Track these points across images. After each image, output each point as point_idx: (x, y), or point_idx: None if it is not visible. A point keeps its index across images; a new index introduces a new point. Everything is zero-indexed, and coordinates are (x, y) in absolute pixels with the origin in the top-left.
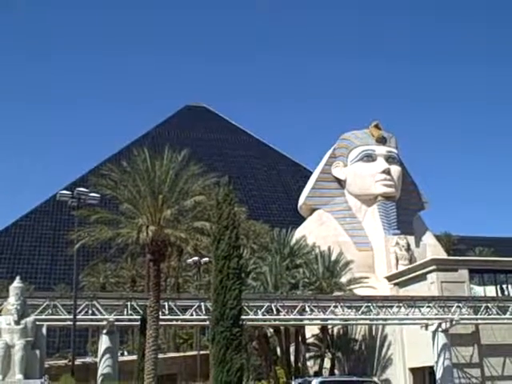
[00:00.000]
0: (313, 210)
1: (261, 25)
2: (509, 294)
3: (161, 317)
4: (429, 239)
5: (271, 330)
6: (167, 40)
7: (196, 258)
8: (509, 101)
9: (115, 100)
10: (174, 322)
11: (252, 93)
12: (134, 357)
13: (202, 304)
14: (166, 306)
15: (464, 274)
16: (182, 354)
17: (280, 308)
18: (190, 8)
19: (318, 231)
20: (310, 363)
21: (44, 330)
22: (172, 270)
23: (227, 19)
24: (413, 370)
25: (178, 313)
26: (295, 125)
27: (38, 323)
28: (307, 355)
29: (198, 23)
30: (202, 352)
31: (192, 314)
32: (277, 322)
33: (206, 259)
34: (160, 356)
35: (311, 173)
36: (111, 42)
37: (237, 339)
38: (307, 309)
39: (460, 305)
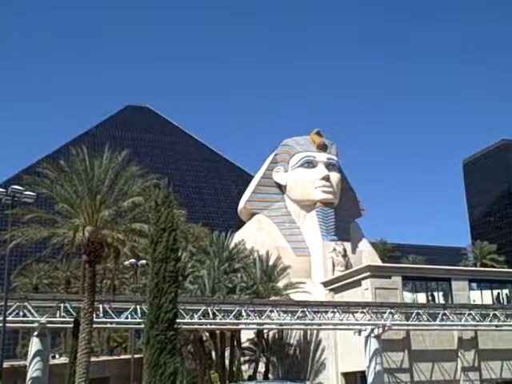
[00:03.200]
0: (253, 215)
1: (203, 25)
2: (439, 301)
3: (95, 319)
4: (365, 246)
5: (207, 334)
6: (111, 39)
7: (133, 260)
8: (447, 105)
9: (55, 99)
10: (109, 325)
11: (196, 95)
12: (66, 360)
13: (138, 307)
14: (101, 309)
15: (397, 280)
16: (115, 357)
17: (216, 312)
18: (135, 8)
19: (257, 235)
20: (244, 367)
21: None
22: (108, 271)
23: (170, 19)
24: (345, 375)
25: (113, 315)
26: (238, 128)
27: None
28: (242, 359)
29: (141, 23)
30: (136, 356)
31: (127, 317)
32: (213, 326)
33: (144, 261)
34: (92, 359)
35: (252, 177)
36: (56, 39)
37: (171, 343)
38: (243, 313)
39: (392, 311)
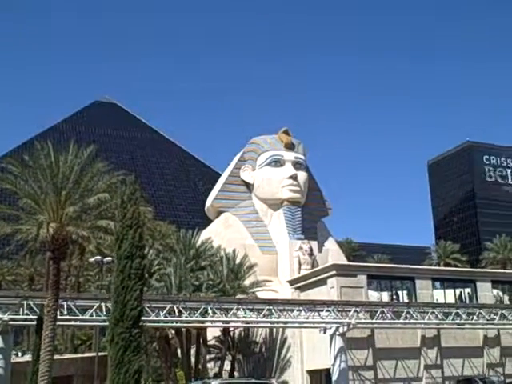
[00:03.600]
0: (220, 213)
1: (172, 21)
2: (403, 300)
3: (59, 317)
4: (331, 245)
5: (172, 332)
6: (80, 34)
7: (98, 257)
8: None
9: (21, 94)
10: (73, 323)
11: (165, 92)
12: (29, 358)
13: (103, 304)
14: (65, 306)
15: (362, 279)
16: (79, 355)
17: (182, 310)
18: (106, 3)
19: (225, 234)
20: (210, 365)
21: None
22: (73, 268)
23: (140, 15)
24: (310, 373)
25: (77, 313)
26: (206, 126)
27: None
28: (208, 357)
29: (111, 19)
30: (100, 354)
31: (92, 315)
32: (178, 324)
33: (109, 259)
34: (56, 357)
35: (220, 175)
36: (24, 32)
37: (136, 341)
38: (209, 311)
39: (357, 309)
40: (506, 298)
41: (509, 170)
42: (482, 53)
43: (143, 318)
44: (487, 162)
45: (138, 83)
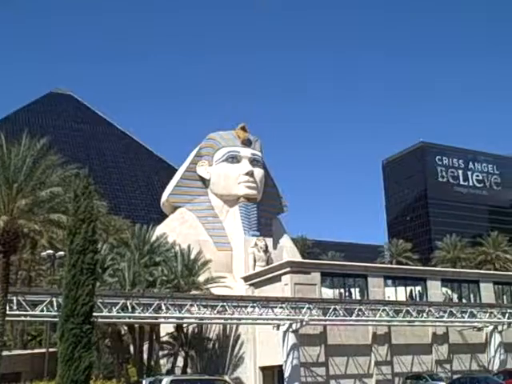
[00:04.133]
0: (175, 208)
1: (128, 15)
2: (355, 297)
3: (8, 312)
4: (286, 242)
5: (125, 328)
6: (34, 24)
7: (50, 252)
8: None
9: None
10: (23, 318)
11: (122, 85)
12: None
13: (54, 299)
14: (15, 301)
15: (316, 276)
16: (29, 351)
17: (135, 305)
18: None
19: (180, 229)
20: (163, 361)
21: None
22: (24, 262)
23: (96, 6)
24: (263, 369)
25: (28, 308)
26: (163, 121)
27: None
28: (161, 353)
29: (65, 10)
30: (51, 349)
31: (43, 310)
32: (131, 320)
33: (62, 253)
34: (4, 353)
35: (176, 170)
36: None
37: (87, 336)
38: (163, 307)
39: (310, 306)
40: (455, 296)
41: (460, 171)
42: (435, 54)
43: (95, 314)
44: (440, 163)
45: (94, 75)
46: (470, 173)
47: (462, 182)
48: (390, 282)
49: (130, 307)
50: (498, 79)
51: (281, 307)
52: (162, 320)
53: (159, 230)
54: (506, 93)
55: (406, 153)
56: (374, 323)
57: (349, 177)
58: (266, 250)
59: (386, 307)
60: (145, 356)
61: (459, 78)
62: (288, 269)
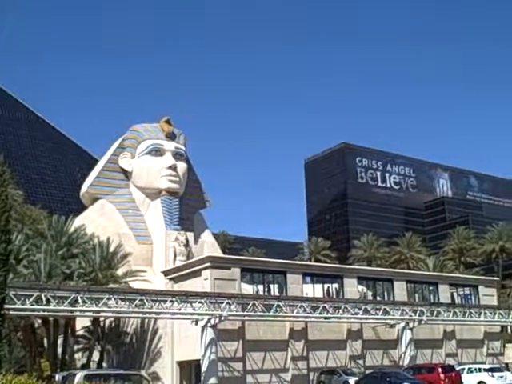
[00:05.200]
0: (96, 199)
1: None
2: (274, 293)
3: None
4: (207, 237)
5: (39, 321)
6: None
7: None
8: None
9: None
10: None
11: (43, 71)
12: None
13: None
14: None
15: (236, 272)
16: None
17: (51, 298)
18: None
19: (99, 221)
20: (78, 356)
21: None
22: None
23: None
24: (180, 364)
25: None
26: (85, 110)
27: None
28: (76, 348)
29: None
30: None
31: None
32: (46, 313)
33: None
34: None
35: (97, 161)
36: None
37: None
38: (79, 300)
39: (230, 301)
40: (370, 293)
41: (379, 173)
42: (364, 56)
43: (7, 306)
44: (360, 164)
45: (13, 60)
46: (387, 175)
47: (380, 184)
48: (308, 278)
49: (44, 300)
50: (417, 86)
51: (200, 302)
52: (78, 313)
53: (78, 221)
54: (422, 100)
55: (328, 153)
56: (292, 319)
57: (273, 174)
58: (186, 245)
59: (303, 303)
60: (59, 350)
61: (383, 81)
62: (208, 264)
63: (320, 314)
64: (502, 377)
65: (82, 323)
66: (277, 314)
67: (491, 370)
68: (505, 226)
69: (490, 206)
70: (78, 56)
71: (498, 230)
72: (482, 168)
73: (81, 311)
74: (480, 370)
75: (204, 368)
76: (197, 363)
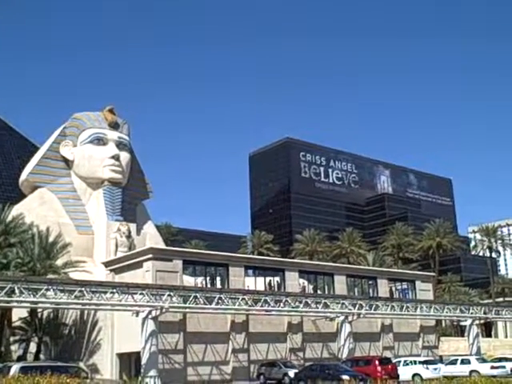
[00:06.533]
0: (35, 188)
1: None
2: (216, 286)
3: None
4: (149, 228)
5: None
6: None
7: None
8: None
9: None
10: None
11: None
12: None
13: None
14: None
15: (178, 264)
16: None
17: None
18: None
19: (39, 210)
20: (14, 347)
21: None
22: None
23: None
24: (120, 355)
25: None
26: (26, 96)
27: None
28: (12, 339)
29: None
30: None
31: None
32: None
33: None
34: None
35: (38, 149)
36: None
37: None
38: (16, 290)
39: (171, 293)
40: (311, 287)
41: (322, 168)
42: (308, 50)
43: None
44: (303, 159)
45: None
46: (330, 170)
47: (323, 179)
48: (250, 271)
49: None
50: (359, 82)
51: (141, 294)
52: (15, 304)
53: (16, 210)
54: (365, 97)
55: (272, 147)
56: (233, 312)
57: (218, 168)
58: (128, 236)
59: (245, 296)
60: None
61: (329, 77)
62: (150, 255)
63: (261, 306)
64: (436, 369)
65: (19, 314)
66: (218, 306)
67: (426, 362)
68: (441, 223)
69: (427, 203)
70: (23, 48)
71: (435, 226)
72: (421, 166)
73: (18, 302)
74: (415, 362)
75: (144, 360)
76: (137, 355)
